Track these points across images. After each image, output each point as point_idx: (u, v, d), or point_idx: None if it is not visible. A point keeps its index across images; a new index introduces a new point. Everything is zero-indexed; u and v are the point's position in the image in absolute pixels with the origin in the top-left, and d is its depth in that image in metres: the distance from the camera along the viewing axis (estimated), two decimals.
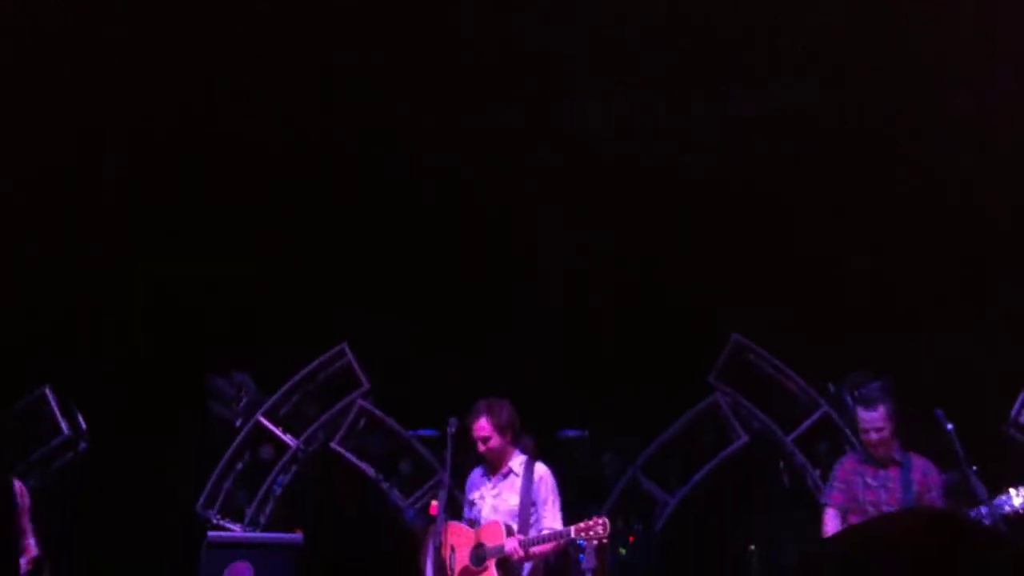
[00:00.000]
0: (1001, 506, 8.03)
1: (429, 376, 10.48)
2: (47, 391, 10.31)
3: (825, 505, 7.93)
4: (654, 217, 10.53)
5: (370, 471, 10.30)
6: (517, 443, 7.54)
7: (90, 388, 10.34)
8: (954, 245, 10.11)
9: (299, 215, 10.77)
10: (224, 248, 10.66)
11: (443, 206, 10.71)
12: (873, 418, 7.96)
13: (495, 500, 7.47)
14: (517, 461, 7.51)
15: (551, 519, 7.35)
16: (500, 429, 7.43)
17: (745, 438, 10.23)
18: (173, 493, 10.32)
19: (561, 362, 10.73)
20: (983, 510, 7.93)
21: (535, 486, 7.37)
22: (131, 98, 10.12)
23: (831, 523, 7.83)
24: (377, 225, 10.85)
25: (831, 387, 10.24)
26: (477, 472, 7.68)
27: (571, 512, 9.65)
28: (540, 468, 7.46)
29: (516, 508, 7.35)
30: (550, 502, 7.40)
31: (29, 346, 10.13)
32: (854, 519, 7.74)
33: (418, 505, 10.12)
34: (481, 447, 7.46)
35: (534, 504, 7.37)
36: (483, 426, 7.43)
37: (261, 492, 10.43)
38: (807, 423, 10.14)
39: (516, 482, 7.43)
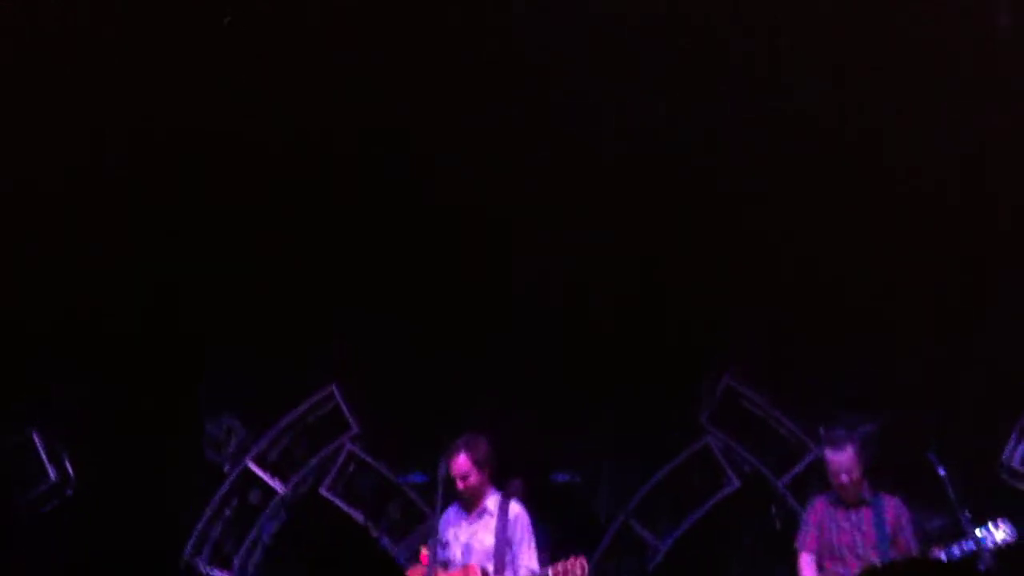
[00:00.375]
0: (984, 541, 8.01)
1: (420, 416, 10.46)
2: (34, 435, 10.26)
3: (799, 550, 7.89)
4: (647, 240, 10.52)
5: (359, 517, 10.24)
6: (495, 481, 7.48)
7: (76, 430, 10.29)
8: (943, 282, 10.13)
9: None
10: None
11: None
12: (841, 460, 7.96)
13: (470, 540, 7.42)
14: (492, 500, 7.45)
15: (528, 559, 7.30)
16: (478, 464, 7.38)
17: (737, 483, 10.19)
18: (160, 539, 10.23)
19: (554, 404, 10.72)
20: (955, 550, 7.92)
21: (511, 525, 7.30)
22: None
23: (807, 569, 7.81)
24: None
25: (822, 430, 10.20)
26: (451, 510, 7.61)
27: (562, 556, 9.63)
28: (515, 507, 7.40)
29: (491, 548, 7.28)
30: (526, 542, 7.34)
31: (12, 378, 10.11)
32: (829, 564, 7.70)
33: (407, 552, 10.06)
34: (460, 484, 7.41)
35: (509, 544, 7.29)
36: (462, 463, 7.39)
37: (249, 539, 10.36)
38: (799, 467, 10.11)
39: (491, 522, 7.37)
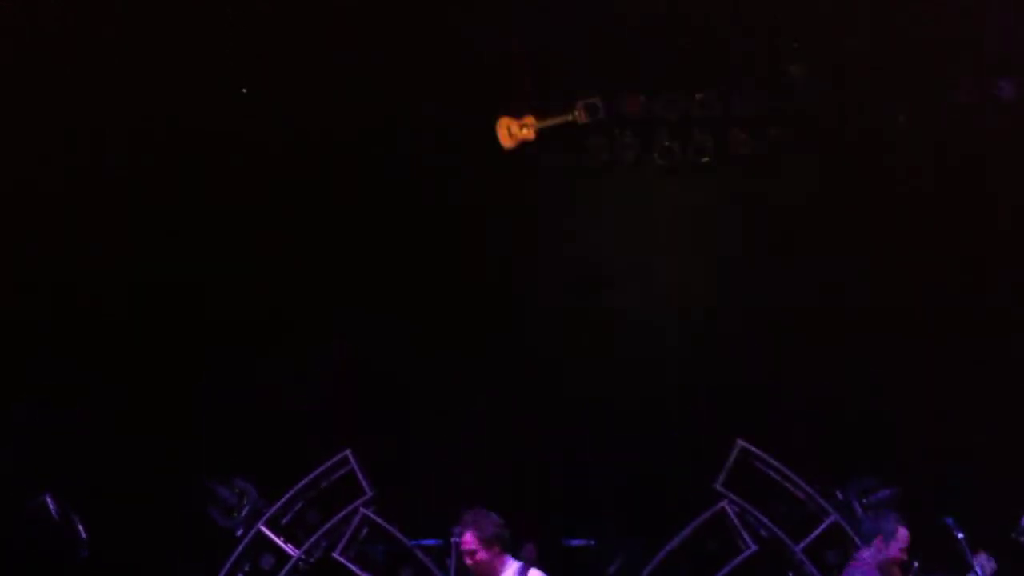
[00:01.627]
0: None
1: (432, 481, 10.44)
2: (47, 498, 10.25)
3: None
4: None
5: None
6: (507, 552, 7.38)
7: (88, 494, 10.28)
8: (961, 347, 10.12)
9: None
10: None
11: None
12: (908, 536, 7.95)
13: None
14: (511, 571, 7.36)
15: None
16: (485, 542, 7.27)
17: (753, 547, 10.09)
18: None
19: (570, 470, 10.70)
20: None
21: None
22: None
23: None
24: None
25: (839, 494, 10.13)
26: None
27: None
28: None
29: None
30: None
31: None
32: None
33: None
34: (467, 560, 7.33)
35: None
36: (468, 541, 7.30)
37: None
38: (816, 532, 10.02)
39: None
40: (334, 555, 10.35)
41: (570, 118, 10.48)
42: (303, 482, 10.54)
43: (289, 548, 10.44)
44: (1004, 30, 9.88)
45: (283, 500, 10.49)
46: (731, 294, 10.62)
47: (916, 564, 9.31)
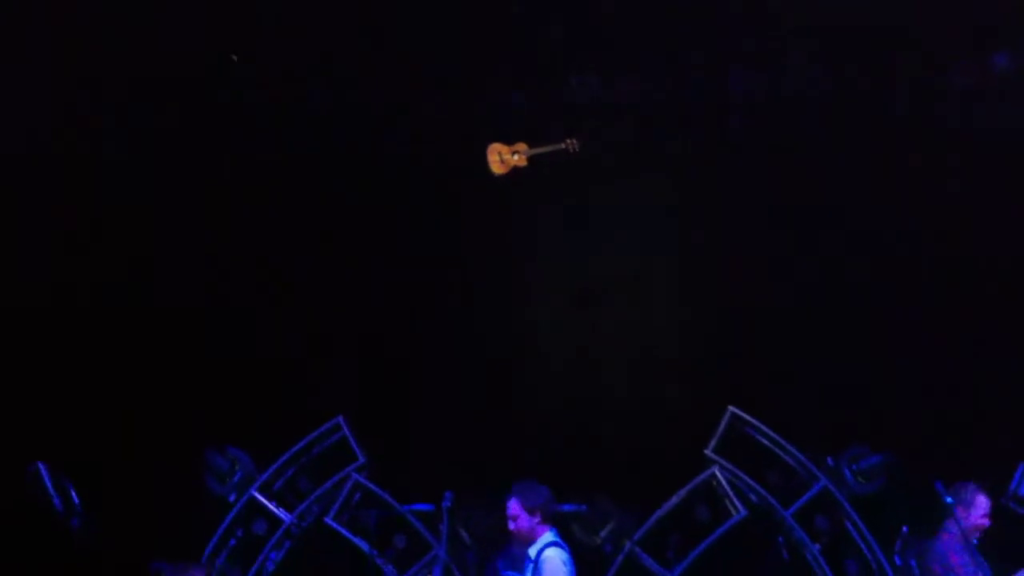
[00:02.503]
0: None
1: (426, 446, 10.47)
2: (40, 465, 10.25)
3: None
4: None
5: (365, 546, 10.20)
6: (549, 524, 7.53)
7: (81, 460, 10.28)
8: (953, 311, 10.15)
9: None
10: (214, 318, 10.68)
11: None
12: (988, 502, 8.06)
13: None
14: (535, 547, 7.50)
15: None
16: (529, 510, 7.52)
17: (743, 512, 10.14)
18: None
19: (562, 437, 10.73)
20: None
21: (539, 572, 7.38)
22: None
23: None
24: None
25: (830, 460, 10.18)
26: (504, 554, 7.75)
27: None
28: (548, 552, 7.43)
29: None
30: None
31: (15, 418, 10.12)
32: None
33: None
34: (510, 524, 7.53)
35: None
36: (512, 506, 7.53)
37: (254, 569, 10.33)
38: (806, 497, 10.07)
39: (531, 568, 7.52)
40: (327, 520, 10.39)
41: (562, 146, 10.42)
42: (296, 448, 10.57)
43: (281, 513, 10.47)
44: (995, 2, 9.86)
45: (276, 465, 10.52)
46: (723, 262, 10.63)
47: (905, 529, 9.42)
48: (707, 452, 10.35)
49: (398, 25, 10.10)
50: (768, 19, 9.84)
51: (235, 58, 10.53)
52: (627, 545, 10.19)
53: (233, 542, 10.44)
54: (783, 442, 10.26)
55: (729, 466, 10.27)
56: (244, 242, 10.76)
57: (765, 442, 10.39)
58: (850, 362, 10.42)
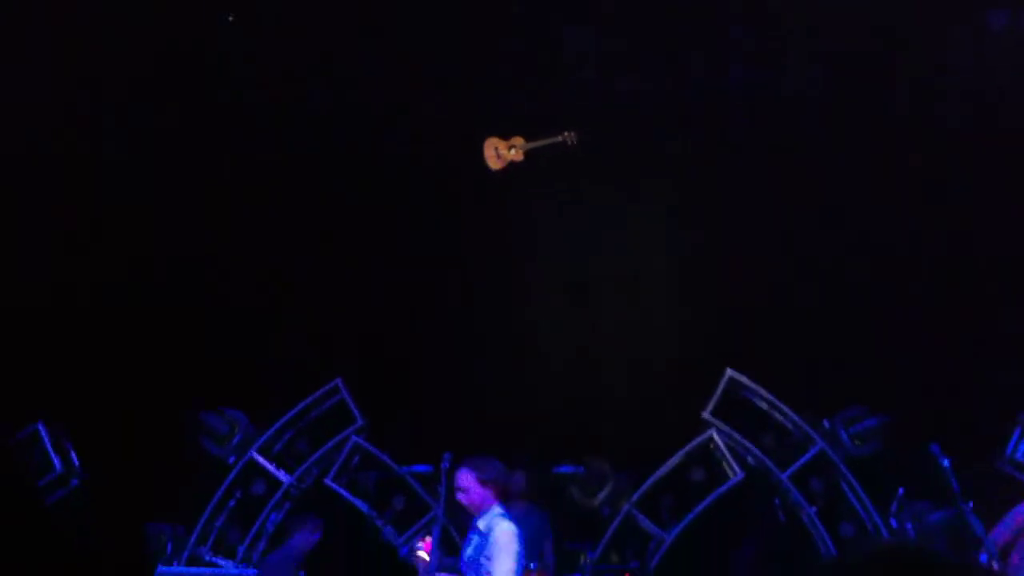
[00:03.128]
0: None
1: (423, 409, 10.49)
2: (40, 426, 10.27)
3: None
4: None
5: (364, 508, 10.25)
6: (500, 500, 7.51)
7: (81, 422, 10.29)
8: (950, 275, 10.14)
9: (288, 249, 10.81)
10: (215, 282, 10.67)
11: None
12: None
13: (469, 551, 7.52)
14: (485, 520, 7.50)
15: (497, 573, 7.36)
16: (481, 483, 7.47)
17: (740, 475, 10.19)
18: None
19: (560, 397, 10.75)
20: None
21: (489, 545, 7.37)
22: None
23: None
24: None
25: (826, 423, 10.21)
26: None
27: (564, 548, 9.65)
28: (501, 524, 7.44)
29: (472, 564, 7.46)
30: (499, 558, 7.38)
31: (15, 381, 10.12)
32: None
33: (412, 542, 10.05)
34: (459, 495, 7.50)
35: (488, 559, 7.37)
36: (462, 476, 7.49)
37: (254, 529, 10.37)
38: (802, 459, 10.11)
39: (476, 540, 7.48)
40: (326, 482, 10.43)
41: (559, 139, 10.39)
42: (295, 410, 10.60)
43: (281, 475, 10.51)
44: None
45: (275, 428, 10.55)
46: (722, 224, 10.61)
47: (901, 491, 9.47)
48: (704, 415, 10.38)
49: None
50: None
51: (231, 19, 10.47)
52: (625, 507, 10.24)
53: (232, 503, 10.48)
54: (780, 405, 10.29)
55: (726, 429, 10.31)
56: (247, 211, 10.73)
57: (762, 405, 10.42)
58: (847, 325, 10.42)
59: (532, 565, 8.84)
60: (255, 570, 9.94)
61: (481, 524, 7.43)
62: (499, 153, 10.32)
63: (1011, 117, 9.75)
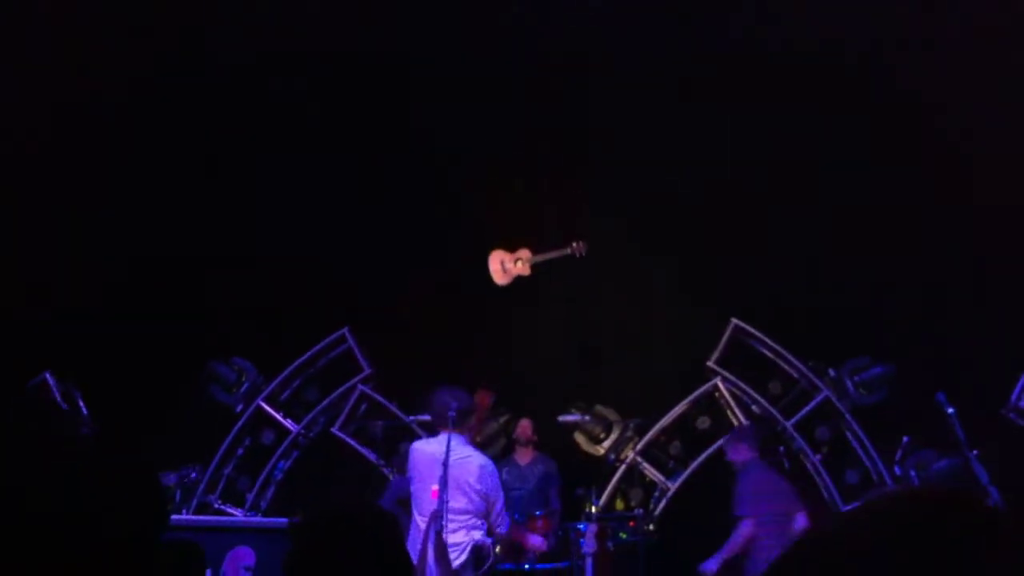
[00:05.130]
0: None
1: (429, 357, 10.52)
2: (47, 376, 10.31)
3: None
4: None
5: (371, 456, 10.31)
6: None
7: (89, 373, 10.33)
8: (956, 228, 10.11)
9: (294, 198, 10.80)
10: (222, 231, 10.67)
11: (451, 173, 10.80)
12: None
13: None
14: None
15: None
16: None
17: (745, 423, 10.22)
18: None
19: (562, 346, 10.77)
20: None
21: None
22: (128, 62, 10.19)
23: None
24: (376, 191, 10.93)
25: (832, 372, 10.23)
26: None
27: (571, 496, 9.70)
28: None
29: None
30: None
31: (26, 323, 10.15)
32: None
33: None
34: None
35: None
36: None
37: (262, 477, 10.44)
38: (807, 407, 10.15)
39: None
40: (333, 430, 10.48)
41: (567, 251, 10.31)
42: (302, 359, 10.64)
43: (289, 423, 10.56)
44: None
45: (282, 376, 10.59)
46: (728, 172, 10.57)
47: (906, 439, 9.50)
48: (710, 363, 10.40)
49: None
50: None
51: None
52: (630, 455, 10.30)
53: (241, 452, 10.55)
54: (786, 353, 10.31)
55: (731, 377, 10.33)
56: (255, 158, 10.72)
57: (767, 353, 10.44)
58: (853, 273, 10.41)
59: (538, 512, 8.90)
60: (263, 517, 10.02)
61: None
62: (505, 267, 10.32)
63: None
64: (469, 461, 7.28)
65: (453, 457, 7.15)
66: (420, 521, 7.22)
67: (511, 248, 10.43)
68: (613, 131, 10.58)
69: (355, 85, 10.67)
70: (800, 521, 8.51)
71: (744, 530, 8.47)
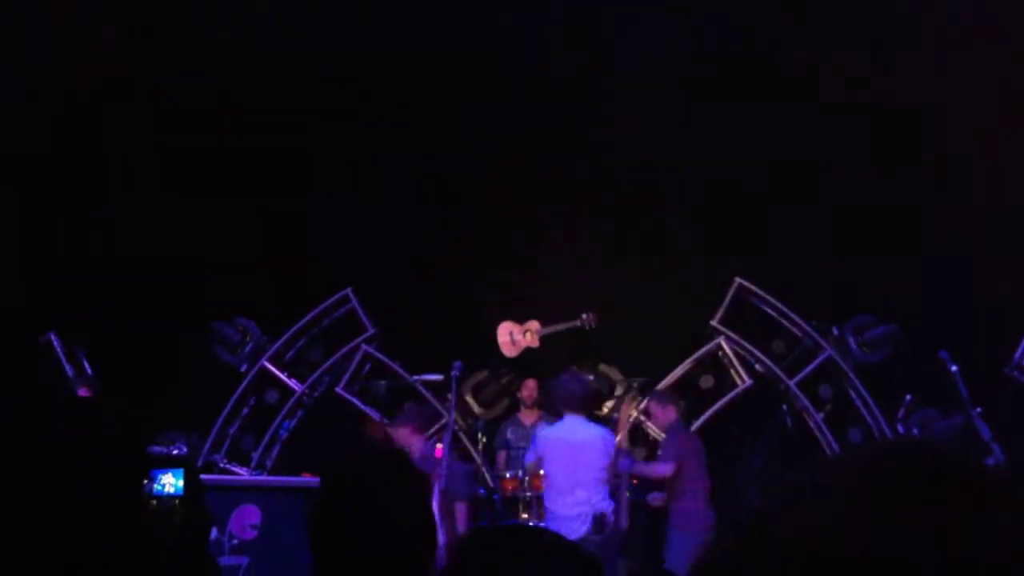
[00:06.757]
0: None
1: (432, 319, 10.54)
2: (52, 336, 10.33)
3: None
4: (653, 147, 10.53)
5: (375, 415, 10.34)
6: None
7: (93, 334, 10.35)
8: (957, 188, 10.09)
9: (298, 157, 10.78)
10: (226, 192, 10.65)
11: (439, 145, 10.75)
12: None
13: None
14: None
15: None
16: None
17: (748, 382, 10.25)
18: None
19: (569, 304, 10.78)
20: None
21: None
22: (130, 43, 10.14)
23: None
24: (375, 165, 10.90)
25: (835, 330, 10.23)
26: None
27: None
28: None
29: None
30: None
31: (30, 291, 10.16)
32: None
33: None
34: None
35: None
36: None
37: (267, 437, 10.47)
38: (810, 366, 10.16)
39: None
40: (337, 390, 10.51)
41: (577, 323, 10.22)
42: (306, 319, 10.65)
43: (293, 383, 10.58)
44: None
45: (286, 336, 10.61)
46: (734, 134, 10.53)
47: (909, 398, 9.52)
48: (713, 323, 10.41)
49: None
50: None
51: None
52: (633, 414, 10.31)
53: (246, 411, 10.58)
54: (789, 312, 10.31)
55: (735, 336, 10.34)
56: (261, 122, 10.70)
57: (771, 312, 10.44)
58: (856, 231, 10.40)
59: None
60: (268, 475, 10.07)
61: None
62: (514, 339, 10.27)
63: None
64: (594, 440, 7.91)
65: (580, 438, 7.81)
66: (556, 502, 7.82)
67: (520, 320, 10.41)
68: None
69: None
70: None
71: (664, 469, 8.58)
